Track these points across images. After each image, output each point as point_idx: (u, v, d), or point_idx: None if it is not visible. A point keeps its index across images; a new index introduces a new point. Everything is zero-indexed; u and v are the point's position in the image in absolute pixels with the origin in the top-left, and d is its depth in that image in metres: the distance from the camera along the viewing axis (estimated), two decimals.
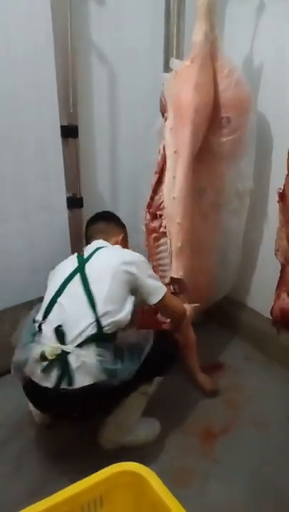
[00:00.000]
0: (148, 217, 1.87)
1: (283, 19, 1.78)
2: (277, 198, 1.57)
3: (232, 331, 2.38)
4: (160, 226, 1.82)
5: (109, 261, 1.53)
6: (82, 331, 1.41)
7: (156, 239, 1.85)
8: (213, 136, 1.80)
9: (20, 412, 1.77)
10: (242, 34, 1.94)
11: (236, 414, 1.87)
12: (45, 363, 1.40)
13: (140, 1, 1.95)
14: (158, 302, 1.56)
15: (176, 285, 1.81)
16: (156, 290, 1.56)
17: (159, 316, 1.89)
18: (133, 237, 1.88)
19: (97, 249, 1.60)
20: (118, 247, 1.66)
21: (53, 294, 1.51)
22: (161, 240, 1.84)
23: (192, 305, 1.79)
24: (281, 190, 1.50)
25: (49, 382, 1.40)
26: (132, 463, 1.02)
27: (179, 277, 1.79)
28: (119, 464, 1.03)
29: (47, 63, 1.74)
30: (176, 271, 1.79)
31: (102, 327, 1.42)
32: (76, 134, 1.84)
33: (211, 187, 1.88)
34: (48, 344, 1.41)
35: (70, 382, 1.38)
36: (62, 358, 1.39)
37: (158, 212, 1.82)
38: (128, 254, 1.58)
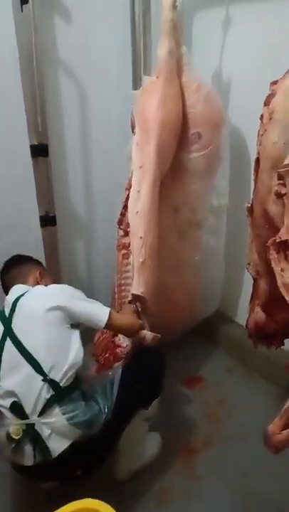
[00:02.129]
0: (120, 233, 1.84)
1: (250, 30, 1.79)
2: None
3: (214, 344, 2.37)
4: (130, 243, 1.78)
5: (33, 309, 1.38)
6: (38, 398, 1.30)
7: (126, 256, 1.80)
8: (184, 152, 1.79)
9: None
10: (211, 47, 1.94)
11: (217, 427, 1.86)
12: (13, 444, 1.30)
13: (107, 17, 1.96)
14: (105, 326, 1.45)
15: (138, 303, 1.74)
16: (98, 314, 1.45)
17: (116, 339, 1.85)
18: (111, 256, 1.86)
19: (17, 299, 1.43)
20: (39, 287, 1.51)
21: None
22: (130, 258, 1.78)
23: (153, 334, 1.69)
24: (250, 205, 1.50)
25: (27, 460, 1.32)
26: (92, 500, 1.00)
27: (140, 294, 1.71)
28: (79, 501, 1.01)
29: (13, 82, 1.75)
30: (136, 287, 1.71)
31: (58, 383, 1.32)
32: (46, 153, 1.84)
33: (185, 204, 1.87)
34: (10, 423, 1.30)
35: (47, 452, 1.30)
36: (30, 433, 1.29)
37: (129, 230, 1.79)
38: (50, 292, 1.45)
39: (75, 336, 1.41)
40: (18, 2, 1.62)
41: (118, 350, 1.82)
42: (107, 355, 1.84)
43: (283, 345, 1.69)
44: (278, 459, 1.68)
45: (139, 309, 1.75)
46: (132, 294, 1.73)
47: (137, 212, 1.71)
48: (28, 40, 1.68)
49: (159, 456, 1.70)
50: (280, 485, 1.60)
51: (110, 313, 1.46)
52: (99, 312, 1.46)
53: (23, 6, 1.62)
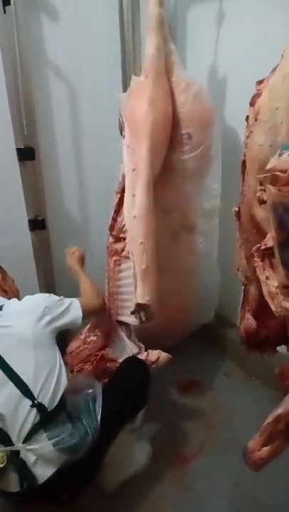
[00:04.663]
0: (110, 239, 1.77)
1: (245, 26, 1.73)
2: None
3: (212, 347, 2.33)
4: (122, 249, 1.72)
5: (21, 326, 1.31)
6: (24, 423, 1.24)
7: (118, 263, 1.74)
8: (175, 153, 1.73)
9: None
10: (206, 44, 1.88)
11: (212, 435, 1.83)
12: None
13: (94, 15, 1.92)
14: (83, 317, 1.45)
15: (142, 312, 1.65)
16: (74, 312, 1.43)
17: (104, 353, 1.80)
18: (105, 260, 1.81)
19: None
20: (15, 303, 1.42)
21: None
22: (123, 265, 1.72)
23: (167, 355, 1.70)
24: (237, 209, 1.44)
25: (12, 487, 1.27)
26: None
27: (146, 303, 1.62)
28: None
29: None
30: (142, 296, 1.62)
31: (45, 407, 1.26)
32: (33, 156, 1.80)
33: (176, 207, 1.82)
34: None
35: (33, 479, 1.26)
36: (14, 460, 1.24)
37: (121, 235, 1.73)
38: (30, 305, 1.37)
39: (58, 353, 1.36)
40: (0, 4, 1.58)
41: (111, 365, 1.76)
42: (86, 366, 1.77)
43: (276, 352, 1.63)
44: (272, 470, 1.65)
45: (143, 319, 1.66)
46: (137, 304, 1.63)
47: (134, 216, 1.64)
48: (12, 41, 1.64)
49: (150, 465, 1.67)
50: (274, 497, 1.56)
51: (80, 305, 1.45)
52: (72, 309, 1.43)
53: (6, 7, 1.58)
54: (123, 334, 1.85)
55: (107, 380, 1.56)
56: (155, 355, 1.73)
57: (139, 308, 1.65)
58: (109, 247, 1.79)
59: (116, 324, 1.83)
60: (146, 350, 1.80)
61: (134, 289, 1.65)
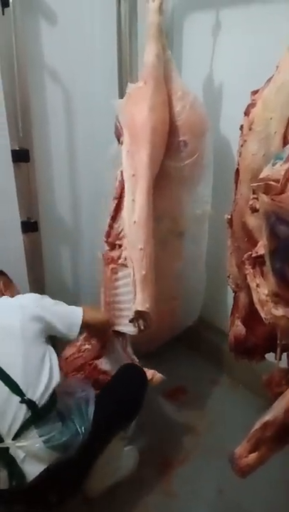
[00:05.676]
0: (106, 247, 1.75)
1: (240, 36, 1.75)
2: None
3: (198, 353, 2.33)
4: (119, 257, 1.69)
5: (8, 325, 1.31)
6: (14, 419, 1.23)
7: (114, 271, 1.71)
8: (171, 160, 1.74)
9: None
10: (202, 53, 1.90)
11: (197, 442, 1.82)
12: None
13: (92, 20, 1.92)
14: (81, 328, 1.44)
15: (140, 320, 1.63)
16: (71, 317, 1.43)
17: (98, 363, 1.78)
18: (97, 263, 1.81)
19: None
20: (6, 299, 1.44)
21: None
22: (120, 273, 1.69)
23: (160, 375, 1.69)
24: (230, 217, 1.46)
25: (0, 484, 1.25)
26: None
27: (146, 310, 1.60)
28: None
29: None
30: (142, 303, 1.60)
31: (35, 403, 1.25)
32: (27, 159, 1.81)
33: (167, 214, 1.83)
34: None
35: (22, 476, 1.24)
36: (4, 456, 1.23)
37: (117, 242, 1.70)
38: (21, 303, 1.38)
39: (51, 351, 1.36)
40: None
41: (103, 377, 1.73)
42: (78, 375, 1.74)
43: (264, 359, 1.64)
44: (256, 477, 1.65)
45: (142, 327, 1.64)
46: (136, 311, 1.61)
47: (134, 222, 1.63)
48: (10, 43, 1.64)
49: (136, 470, 1.66)
50: (258, 504, 1.57)
51: (84, 311, 1.45)
52: (72, 315, 1.44)
53: (5, 9, 1.59)
54: (118, 346, 1.80)
55: (97, 391, 1.53)
56: (149, 375, 1.68)
57: (139, 315, 1.63)
58: (105, 255, 1.75)
59: (112, 335, 1.79)
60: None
61: (132, 296, 1.63)
